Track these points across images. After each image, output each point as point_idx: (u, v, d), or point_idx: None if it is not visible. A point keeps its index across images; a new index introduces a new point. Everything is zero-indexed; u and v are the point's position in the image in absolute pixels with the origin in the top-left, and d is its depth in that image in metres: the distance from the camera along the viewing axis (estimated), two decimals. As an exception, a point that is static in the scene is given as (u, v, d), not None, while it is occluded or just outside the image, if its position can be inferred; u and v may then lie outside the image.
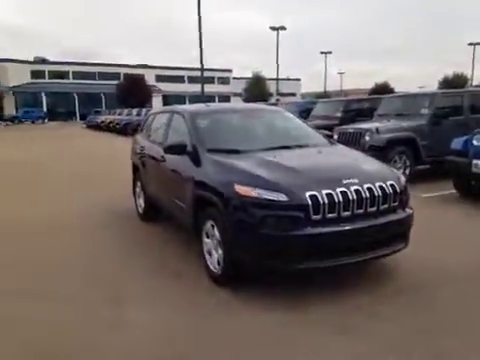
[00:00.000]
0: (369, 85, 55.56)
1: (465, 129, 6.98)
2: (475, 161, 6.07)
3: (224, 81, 64.73)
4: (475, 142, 6.21)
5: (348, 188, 3.24)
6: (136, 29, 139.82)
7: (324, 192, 3.16)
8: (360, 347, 2.67)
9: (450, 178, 6.71)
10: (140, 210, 5.91)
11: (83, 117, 42.55)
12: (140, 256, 4.42)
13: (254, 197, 3.18)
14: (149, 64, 59.02)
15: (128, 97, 41.51)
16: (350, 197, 3.22)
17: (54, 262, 4.30)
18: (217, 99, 56.58)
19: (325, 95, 44.91)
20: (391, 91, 37.72)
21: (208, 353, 2.67)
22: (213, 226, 3.58)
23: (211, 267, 3.69)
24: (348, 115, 11.50)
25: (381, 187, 3.38)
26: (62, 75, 55.33)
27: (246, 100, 44.25)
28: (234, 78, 64.64)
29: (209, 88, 38.56)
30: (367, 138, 8.01)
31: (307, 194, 3.14)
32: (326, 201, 3.14)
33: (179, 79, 60.40)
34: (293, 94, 64.49)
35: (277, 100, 31.73)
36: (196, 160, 4.00)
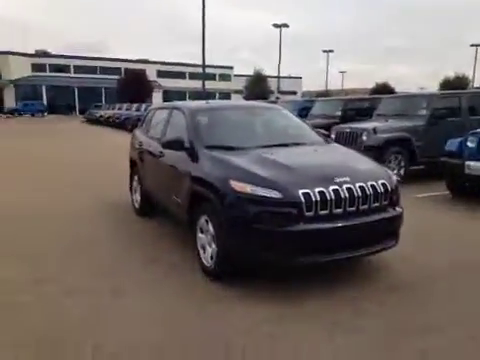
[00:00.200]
0: (370, 85, 55.55)
1: (463, 130, 6.97)
2: (468, 162, 6.10)
3: (225, 78, 64.63)
4: (469, 143, 6.26)
5: (340, 186, 3.33)
6: (140, 23, 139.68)
7: (317, 190, 3.25)
8: (348, 342, 2.75)
9: (443, 179, 6.78)
10: (136, 205, 5.99)
11: (83, 111, 42.44)
12: (135, 249, 4.50)
13: (249, 193, 3.27)
14: (150, 59, 58.93)
15: (129, 92, 41.34)
16: (342, 195, 3.31)
17: (51, 253, 4.38)
18: (218, 96, 56.53)
19: (326, 94, 44.92)
20: (391, 91, 37.69)
21: (201, 346, 2.72)
22: (207, 221, 3.66)
23: (204, 261, 3.77)
24: (347, 114, 11.56)
25: (373, 186, 3.47)
26: (63, 69, 55.21)
27: (247, 98, 44.21)
28: (235, 75, 64.53)
29: (210, 85, 38.54)
30: (364, 138, 8.09)
31: (300, 191, 3.22)
32: (318, 198, 3.23)
33: (180, 75, 60.25)
34: (294, 92, 64.28)
35: (277, 98, 31.76)
36: (194, 156, 4.08)
